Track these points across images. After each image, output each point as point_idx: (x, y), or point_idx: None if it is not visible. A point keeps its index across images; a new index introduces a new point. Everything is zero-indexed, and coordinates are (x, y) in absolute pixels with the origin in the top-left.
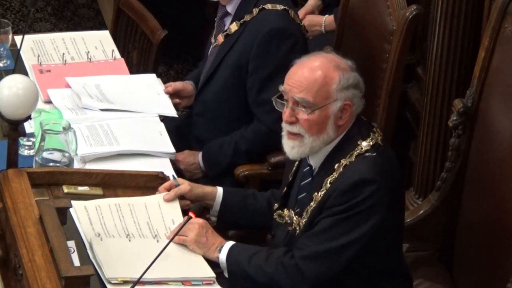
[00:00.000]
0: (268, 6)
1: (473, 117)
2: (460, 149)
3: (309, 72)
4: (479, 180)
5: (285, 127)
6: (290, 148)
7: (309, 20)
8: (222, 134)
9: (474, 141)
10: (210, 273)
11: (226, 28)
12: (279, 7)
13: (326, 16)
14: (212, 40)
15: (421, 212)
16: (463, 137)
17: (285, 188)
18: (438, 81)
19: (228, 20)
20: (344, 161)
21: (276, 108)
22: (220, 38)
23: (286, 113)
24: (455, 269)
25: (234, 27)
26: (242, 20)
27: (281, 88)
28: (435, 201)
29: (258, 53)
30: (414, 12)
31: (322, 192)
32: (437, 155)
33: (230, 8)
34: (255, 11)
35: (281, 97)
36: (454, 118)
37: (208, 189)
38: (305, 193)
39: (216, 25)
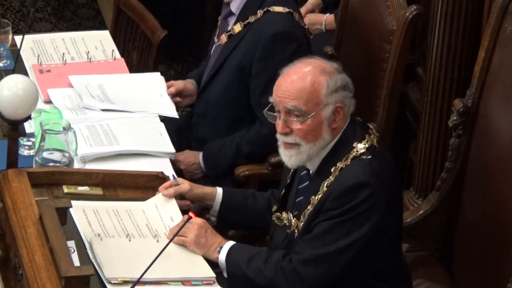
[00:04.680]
0: (273, 8)
1: (473, 117)
2: (460, 149)
3: (297, 81)
4: (479, 180)
5: (280, 138)
6: (288, 157)
7: (310, 19)
8: (224, 135)
9: (474, 141)
10: (210, 273)
11: (229, 28)
12: (284, 9)
13: (327, 15)
14: (216, 40)
15: (421, 212)
16: (463, 137)
17: (283, 191)
18: (438, 81)
19: (232, 20)
20: (340, 164)
21: (269, 120)
22: (224, 38)
23: (279, 125)
24: (455, 269)
25: (237, 27)
26: (246, 21)
27: (271, 99)
28: (435, 201)
29: (262, 55)
30: (414, 12)
31: (319, 196)
32: (437, 155)
33: (234, 8)
34: (260, 13)
35: (271, 109)
36: (454, 118)
37: (208, 189)
38: (302, 196)
39: (219, 24)
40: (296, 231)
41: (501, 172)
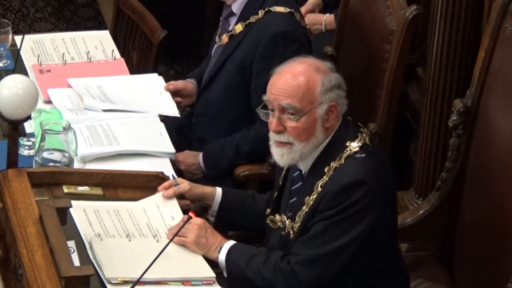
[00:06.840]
0: (274, 8)
1: (473, 117)
2: (460, 149)
3: (291, 79)
4: (479, 180)
5: (273, 136)
6: (280, 155)
7: (310, 19)
8: (225, 135)
9: (474, 141)
10: (210, 273)
11: (230, 28)
12: (285, 9)
13: (327, 15)
14: (217, 39)
15: (421, 212)
16: (463, 137)
17: (276, 193)
18: (438, 81)
19: (233, 20)
20: (334, 164)
21: (261, 118)
22: (225, 38)
23: (273, 123)
24: (455, 269)
25: (239, 28)
26: (248, 21)
27: (265, 97)
28: (435, 201)
29: (263, 55)
30: (414, 12)
31: (314, 196)
32: (437, 155)
33: (235, 8)
34: (261, 13)
35: (265, 107)
36: (454, 118)
37: (207, 189)
38: (295, 197)
39: (221, 24)
40: (291, 232)
41: (501, 172)
